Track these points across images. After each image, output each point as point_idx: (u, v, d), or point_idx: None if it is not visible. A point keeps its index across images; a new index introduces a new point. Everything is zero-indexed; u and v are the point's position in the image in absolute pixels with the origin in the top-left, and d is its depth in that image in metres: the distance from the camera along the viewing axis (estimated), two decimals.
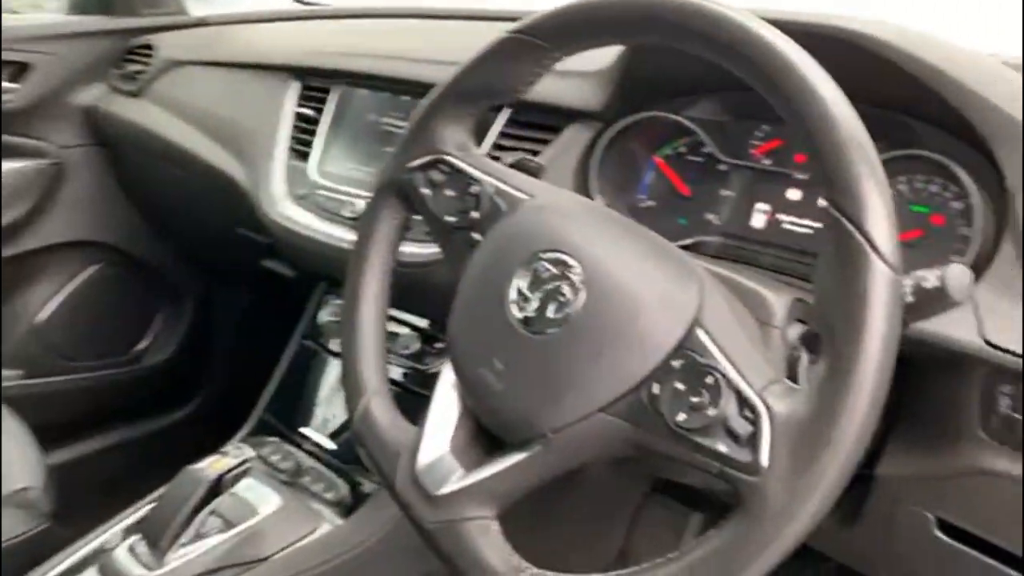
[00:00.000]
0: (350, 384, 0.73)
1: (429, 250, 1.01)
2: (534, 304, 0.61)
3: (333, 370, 1.23)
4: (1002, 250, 0.69)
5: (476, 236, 0.69)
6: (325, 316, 1.23)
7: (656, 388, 0.55)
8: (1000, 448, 0.68)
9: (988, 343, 0.66)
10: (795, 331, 0.68)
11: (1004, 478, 0.68)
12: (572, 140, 0.97)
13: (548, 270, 0.61)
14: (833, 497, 0.48)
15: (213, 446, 1.04)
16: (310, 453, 1.16)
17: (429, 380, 1.09)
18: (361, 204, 1.09)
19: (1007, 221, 0.70)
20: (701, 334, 0.56)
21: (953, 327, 0.67)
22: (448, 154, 0.72)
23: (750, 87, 0.94)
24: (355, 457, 1.13)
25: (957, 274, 0.54)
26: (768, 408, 0.51)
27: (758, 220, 0.91)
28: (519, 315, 0.61)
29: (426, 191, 0.72)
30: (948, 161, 0.74)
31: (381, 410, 0.71)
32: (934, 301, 0.54)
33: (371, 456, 0.69)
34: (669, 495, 1.39)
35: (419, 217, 0.76)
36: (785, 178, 0.89)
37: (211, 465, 0.94)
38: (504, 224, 0.66)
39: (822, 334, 0.51)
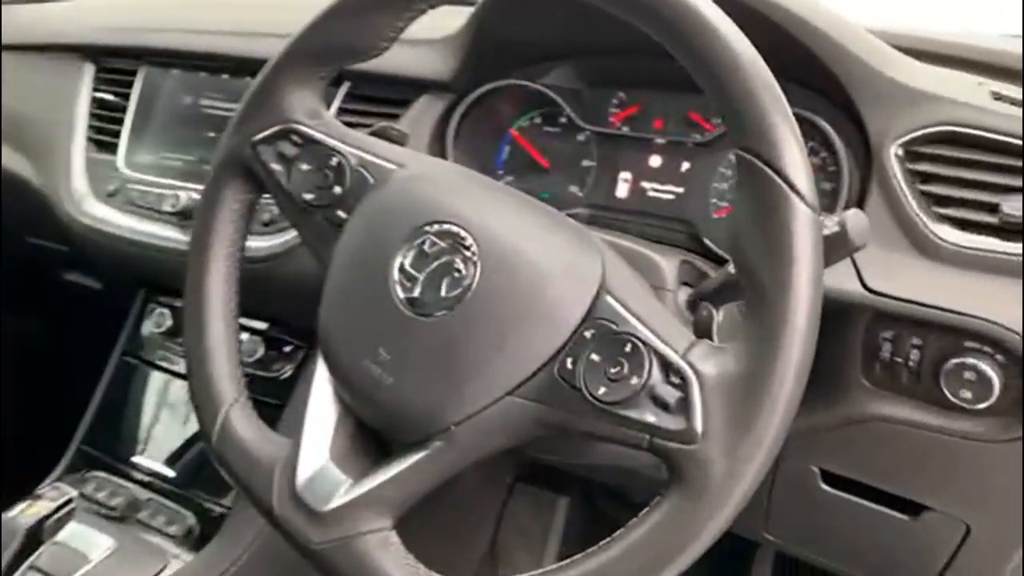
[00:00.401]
0: (203, 397, 0.62)
1: (268, 243, 0.91)
2: (421, 283, 0.54)
3: (162, 388, 1.09)
4: (869, 202, 0.70)
5: (341, 214, 0.60)
6: (150, 327, 1.09)
7: (569, 363, 0.50)
8: (884, 394, 0.69)
9: (868, 290, 0.66)
10: (684, 294, 0.66)
11: (889, 422, 0.70)
12: (423, 114, 0.90)
13: (436, 244, 0.54)
14: (774, 455, 0.45)
15: (23, 490, 0.87)
16: (144, 484, 1.02)
17: (281, 388, 0.98)
18: (185, 197, 0.96)
19: (872, 174, 0.71)
20: (611, 301, 0.51)
21: (833, 278, 0.66)
22: (299, 123, 0.63)
23: (604, 53, 0.93)
24: (198, 481, 1.01)
25: (855, 218, 0.53)
26: (696, 371, 0.47)
27: (622, 189, 0.89)
28: (404, 296, 0.54)
29: (277, 167, 0.63)
30: (814, 117, 0.74)
31: (243, 422, 0.61)
32: (837, 247, 0.53)
33: (237, 477, 0.59)
34: (533, 483, 1.36)
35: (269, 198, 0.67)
36: (645, 145, 0.87)
37: (24, 512, 0.79)
38: (375, 198, 0.59)
39: (745, 286, 0.48)
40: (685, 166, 0.86)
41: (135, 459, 1.04)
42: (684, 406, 0.47)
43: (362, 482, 0.55)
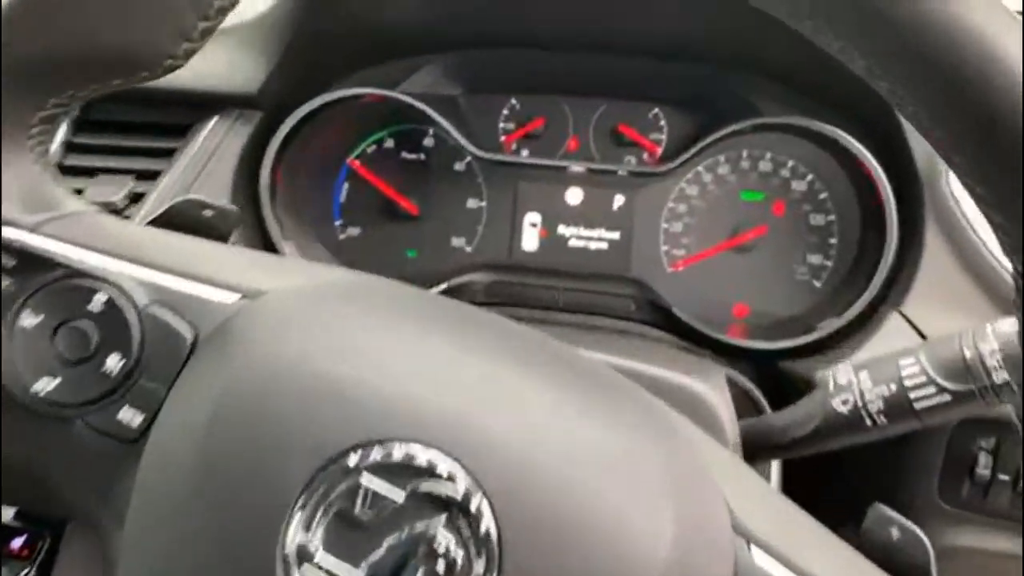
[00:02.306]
0: None
1: None
2: None
3: None
4: (925, 248, 0.50)
5: (127, 419, 0.28)
6: None
7: None
8: (970, 518, 0.50)
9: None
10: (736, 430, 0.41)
11: (976, 555, 0.50)
12: (214, 147, 0.57)
13: (383, 503, 0.24)
14: None
15: None
16: None
17: None
18: None
19: (921, 209, 0.50)
20: (764, 563, 0.25)
21: None
22: (8, 223, 0.29)
23: (487, 43, 0.64)
24: None
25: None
26: None
27: (529, 239, 0.62)
28: None
29: None
30: (841, 135, 0.52)
31: None
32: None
33: None
34: None
35: None
36: (558, 174, 0.61)
37: None
38: (209, 383, 0.27)
39: None
40: (619, 201, 0.61)
41: None
42: None
43: None
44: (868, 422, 0.36)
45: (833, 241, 0.58)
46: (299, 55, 0.56)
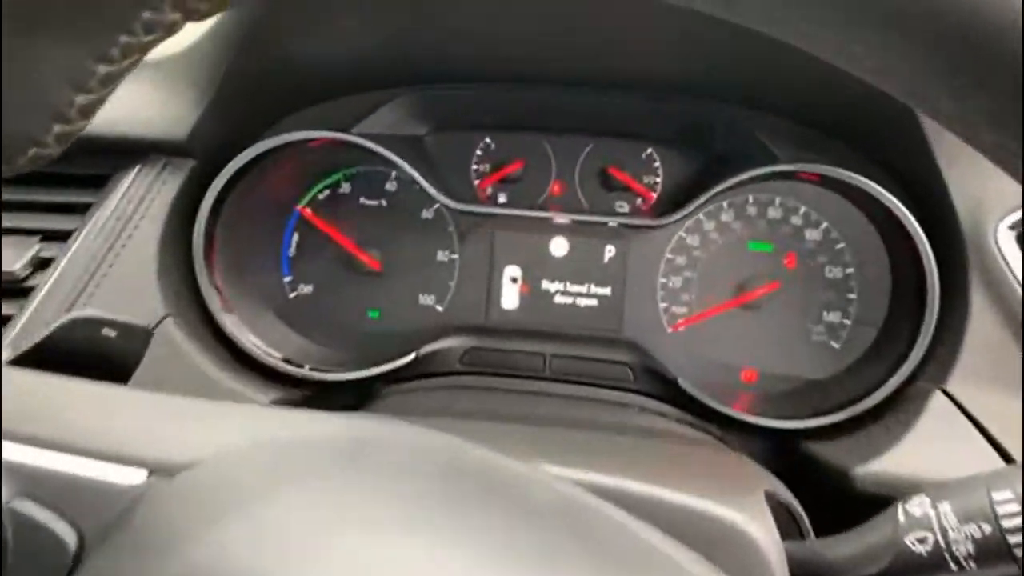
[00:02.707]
0: None
1: None
2: None
3: None
4: (972, 310, 0.43)
5: None
6: None
7: None
8: None
9: None
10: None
11: None
12: (136, 203, 0.48)
13: None
14: None
15: None
16: None
17: None
18: None
19: (964, 265, 0.43)
20: None
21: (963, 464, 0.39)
22: None
23: (456, 77, 0.56)
24: None
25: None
26: None
27: (509, 297, 0.54)
28: None
29: None
30: (871, 185, 0.45)
31: None
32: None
33: None
34: None
35: None
36: (540, 224, 0.53)
37: None
38: None
39: None
40: (609, 252, 0.54)
41: None
42: None
43: None
44: (953, 566, 0.29)
45: (852, 297, 0.51)
46: (236, 93, 0.48)
